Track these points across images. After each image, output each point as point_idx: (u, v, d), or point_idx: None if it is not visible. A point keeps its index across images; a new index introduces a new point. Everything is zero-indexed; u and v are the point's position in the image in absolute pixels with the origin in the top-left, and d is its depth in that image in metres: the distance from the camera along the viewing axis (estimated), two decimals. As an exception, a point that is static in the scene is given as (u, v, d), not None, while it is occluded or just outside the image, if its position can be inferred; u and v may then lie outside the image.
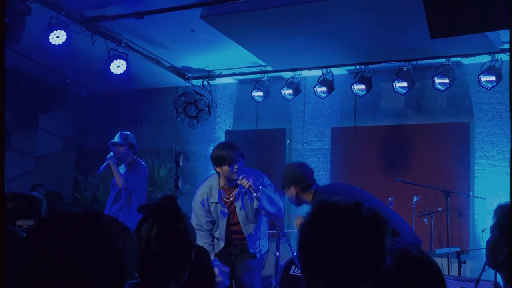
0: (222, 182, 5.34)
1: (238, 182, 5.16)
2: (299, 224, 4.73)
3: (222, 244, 5.39)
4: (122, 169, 6.84)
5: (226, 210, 5.32)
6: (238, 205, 5.30)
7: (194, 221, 5.24)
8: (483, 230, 6.21)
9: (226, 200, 5.34)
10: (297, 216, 4.86)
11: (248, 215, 5.30)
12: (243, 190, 5.26)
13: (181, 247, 1.98)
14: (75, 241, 1.35)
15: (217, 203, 5.30)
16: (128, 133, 6.90)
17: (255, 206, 5.20)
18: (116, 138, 6.77)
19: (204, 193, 5.36)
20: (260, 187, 5.15)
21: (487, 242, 2.23)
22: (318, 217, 1.78)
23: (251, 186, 5.10)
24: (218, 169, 5.24)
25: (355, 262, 1.69)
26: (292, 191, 4.58)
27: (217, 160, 5.21)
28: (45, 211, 3.08)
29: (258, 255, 5.38)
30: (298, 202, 4.62)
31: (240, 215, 5.31)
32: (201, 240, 5.18)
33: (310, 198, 4.53)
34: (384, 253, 1.76)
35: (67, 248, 1.34)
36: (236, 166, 5.17)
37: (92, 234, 1.38)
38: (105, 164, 6.75)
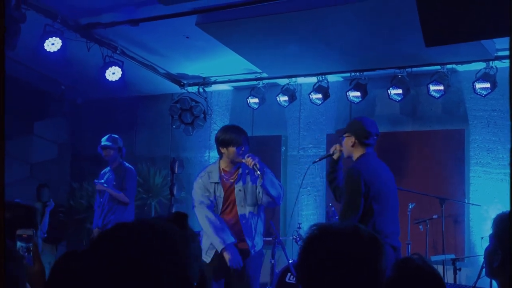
0: (223, 165, 5.21)
1: (243, 161, 5.06)
2: (337, 149, 4.86)
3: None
4: (108, 173, 6.86)
5: (223, 192, 5.19)
6: (238, 186, 5.14)
7: (196, 201, 5.19)
8: (482, 238, 6.25)
9: (225, 181, 5.20)
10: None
11: (246, 197, 5.12)
12: (246, 171, 5.14)
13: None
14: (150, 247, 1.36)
15: (217, 183, 5.17)
16: (117, 136, 6.91)
17: (259, 184, 5.05)
18: (105, 141, 6.77)
19: (204, 175, 5.26)
20: (264, 168, 5.02)
21: (485, 250, 2.24)
22: (316, 240, 1.83)
23: (256, 165, 4.97)
24: (224, 150, 5.14)
25: (352, 284, 1.72)
26: (350, 140, 4.69)
27: (224, 141, 5.14)
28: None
29: (252, 251, 5.14)
30: (347, 152, 4.76)
31: (238, 196, 5.13)
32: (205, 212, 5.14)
33: (357, 157, 4.68)
34: (381, 274, 1.79)
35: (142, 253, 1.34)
36: (243, 149, 5.12)
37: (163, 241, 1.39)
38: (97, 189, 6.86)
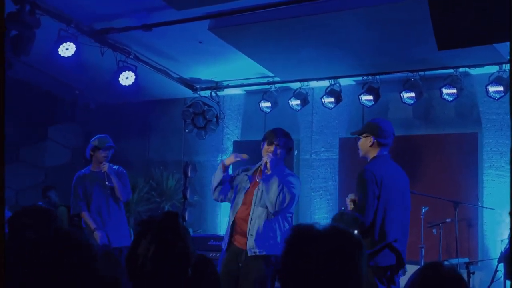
0: (261, 165, 5.16)
1: (264, 159, 5.04)
2: (352, 200, 4.83)
3: (229, 231, 5.10)
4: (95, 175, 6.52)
5: (248, 186, 5.13)
6: (260, 185, 5.05)
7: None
8: (502, 240, 6.23)
9: (255, 177, 5.16)
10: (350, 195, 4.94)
11: (262, 198, 4.99)
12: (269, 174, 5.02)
13: (178, 266, 1.98)
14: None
15: (246, 176, 5.18)
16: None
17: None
18: (109, 142, 6.57)
19: (243, 168, 5.33)
20: (275, 176, 4.92)
21: (504, 252, 2.23)
22: (295, 244, 1.83)
23: (267, 163, 4.95)
24: (262, 148, 5.20)
25: (327, 284, 1.74)
26: (369, 140, 4.78)
27: (264, 137, 5.23)
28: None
29: (249, 252, 4.93)
30: (364, 153, 4.87)
31: (256, 194, 5.03)
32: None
33: (372, 157, 4.80)
34: (359, 273, 1.79)
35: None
36: (269, 147, 5.07)
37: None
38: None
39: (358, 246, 1.81)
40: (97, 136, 6.58)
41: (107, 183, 6.43)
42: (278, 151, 5.07)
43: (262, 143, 5.19)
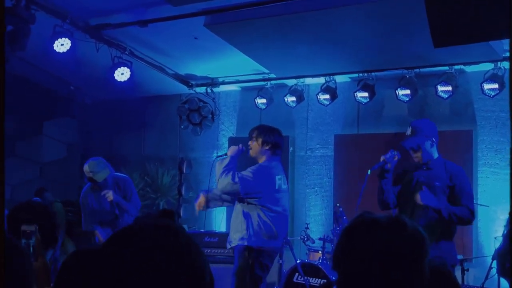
0: None
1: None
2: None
3: None
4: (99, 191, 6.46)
5: None
6: None
7: None
8: (495, 238, 6.25)
9: None
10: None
11: None
12: None
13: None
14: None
15: None
16: (99, 158, 6.54)
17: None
18: (86, 174, 6.39)
19: None
20: (229, 157, 5.26)
21: (498, 249, 2.25)
22: (357, 230, 1.79)
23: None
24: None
25: (389, 280, 1.70)
26: (430, 142, 4.90)
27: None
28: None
29: (227, 245, 5.28)
30: (429, 155, 4.92)
31: None
32: None
33: (436, 155, 4.95)
34: (421, 272, 1.74)
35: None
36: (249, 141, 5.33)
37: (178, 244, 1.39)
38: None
39: (425, 244, 1.77)
40: (89, 160, 6.49)
41: (114, 201, 6.33)
42: (251, 143, 5.27)
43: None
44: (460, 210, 4.74)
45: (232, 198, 5.22)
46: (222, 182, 5.09)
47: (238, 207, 5.20)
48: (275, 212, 5.17)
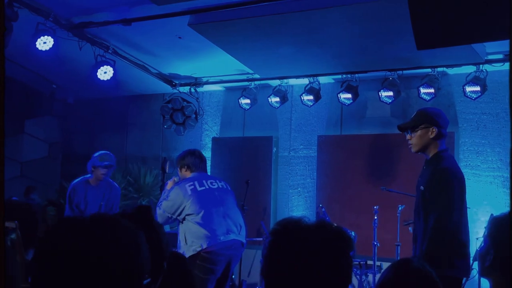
0: None
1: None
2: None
3: None
4: (89, 189, 6.64)
5: None
6: None
7: None
8: (477, 238, 6.29)
9: None
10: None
11: None
12: None
13: (153, 257, 1.98)
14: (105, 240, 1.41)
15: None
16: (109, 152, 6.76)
17: None
18: (109, 160, 6.59)
19: None
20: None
21: (479, 250, 2.28)
22: (281, 236, 1.81)
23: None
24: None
25: (316, 282, 1.72)
26: (431, 131, 4.22)
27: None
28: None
29: None
30: (423, 146, 4.29)
31: None
32: None
33: (434, 152, 4.25)
34: (345, 272, 1.78)
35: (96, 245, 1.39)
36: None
37: (121, 234, 1.45)
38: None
39: (348, 243, 1.80)
40: (100, 152, 6.68)
41: (102, 202, 6.62)
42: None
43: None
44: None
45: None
46: (159, 216, 5.55)
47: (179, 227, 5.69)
48: (199, 214, 5.47)
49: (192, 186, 5.57)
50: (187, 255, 5.34)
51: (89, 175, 6.69)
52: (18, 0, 6.33)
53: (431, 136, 4.22)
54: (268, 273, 1.80)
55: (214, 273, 5.43)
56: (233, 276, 7.32)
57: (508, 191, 6.14)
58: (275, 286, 1.78)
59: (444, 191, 4.11)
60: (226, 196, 5.71)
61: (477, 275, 5.56)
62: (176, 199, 5.50)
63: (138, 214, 2.03)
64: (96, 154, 6.64)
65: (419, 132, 4.26)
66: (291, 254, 1.75)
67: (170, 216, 5.52)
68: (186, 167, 5.77)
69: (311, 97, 7.61)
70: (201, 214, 5.43)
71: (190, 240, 5.42)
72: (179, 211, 5.48)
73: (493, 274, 2.18)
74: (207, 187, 5.65)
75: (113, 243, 1.40)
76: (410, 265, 2.31)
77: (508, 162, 6.64)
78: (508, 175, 6.67)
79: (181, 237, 5.57)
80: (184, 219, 5.49)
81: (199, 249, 5.35)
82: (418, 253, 4.12)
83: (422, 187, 4.26)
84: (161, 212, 5.50)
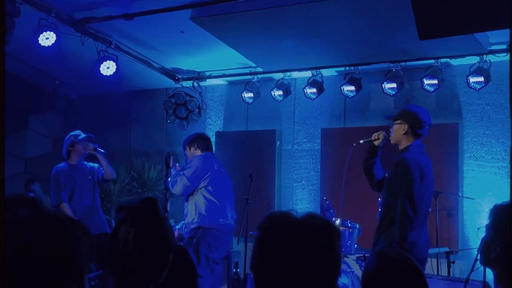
0: None
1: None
2: (380, 136, 4.93)
3: None
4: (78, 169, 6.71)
5: None
6: None
7: None
8: (478, 228, 6.27)
9: None
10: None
11: None
12: None
13: (159, 249, 1.97)
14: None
15: None
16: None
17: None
18: (81, 135, 6.76)
19: None
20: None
21: (482, 240, 2.28)
22: (269, 230, 1.80)
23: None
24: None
25: (305, 275, 1.71)
26: (403, 127, 4.71)
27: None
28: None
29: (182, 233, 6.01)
30: (396, 140, 4.78)
31: None
32: None
33: (405, 145, 4.70)
34: (335, 263, 1.77)
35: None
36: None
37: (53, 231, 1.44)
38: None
39: (337, 236, 1.79)
40: (70, 133, 6.78)
41: (89, 177, 6.69)
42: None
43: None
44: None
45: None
46: (177, 188, 6.02)
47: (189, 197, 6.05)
48: (215, 191, 5.97)
49: (214, 162, 6.08)
50: (192, 226, 5.83)
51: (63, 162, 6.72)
52: (20, -4, 6.32)
53: (402, 133, 4.71)
54: (257, 267, 1.79)
55: (218, 251, 5.91)
56: (238, 270, 7.33)
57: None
58: (264, 280, 1.77)
59: (405, 178, 4.48)
60: (230, 184, 6.26)
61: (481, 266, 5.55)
62: (202, 168, 5.95)
63: (144, 207, 2.03)
64: (67, 136, 6.73)
65: (395, 126, 4.77)
66: (279, 247, 1.74)
67: (190, 184, 5.91)
68: (196, 146, 6.17)
69: (314, 90, 7.60)
70: (216, 192, 5.92)
71: (201, 212, 5.82)
72: (202, 179, 5.91)
73: (499, 265, 2.16)
74: (222, 170, 6.17)
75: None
76: (390, 255, 2.33)
77: (512, 153, 6.63)
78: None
79: (190, 208, 5.91)
80: (198, 190, 5.91)
81: (209, 223, 5.80)
82: (396, 237, 4.44)
83: (386, 174, 4.81)
84: (185, 180, 5.90)
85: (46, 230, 1.43)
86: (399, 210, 4.46)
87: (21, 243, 1.34)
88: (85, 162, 6.80)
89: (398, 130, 4.74)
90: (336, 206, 7.00)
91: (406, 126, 4.69)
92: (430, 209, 4.95)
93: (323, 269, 1.74)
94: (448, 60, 7.02)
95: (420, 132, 4.72)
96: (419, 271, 2.30)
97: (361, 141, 5.21)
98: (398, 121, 4.74)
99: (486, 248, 2.22)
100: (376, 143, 4.98)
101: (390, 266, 2.26)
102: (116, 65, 7.43)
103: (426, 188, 4.58)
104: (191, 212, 5.93)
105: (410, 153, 4.63)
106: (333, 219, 5.99)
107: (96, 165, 6.83)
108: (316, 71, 7.64)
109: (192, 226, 5.90)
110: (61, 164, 6.71)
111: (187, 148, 6.19)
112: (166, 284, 2.00)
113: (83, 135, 6.71)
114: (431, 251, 6.44)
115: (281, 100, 7.95)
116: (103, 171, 6.71)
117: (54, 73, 9.36)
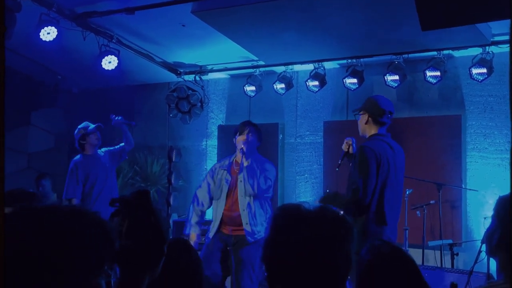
0: (237, 157, 5.79)
1: (238, 147, 5.66)
2: (348, 143, 4.94)
3: (216, 224, 5.67)
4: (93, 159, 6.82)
5: (230, 178, 5.74)
6: (240, 176, 5.64)
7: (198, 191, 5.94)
8: (484, 218, 6.28)
9: (234, 169, 5.76)
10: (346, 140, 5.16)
11: (246, 188, 5.59)
12: (247, 165, 5.65)
13: (153, 241, 1.97)
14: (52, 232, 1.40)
15: (224, 170, 5.77)
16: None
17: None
18: (91, 126, 6.83)
19: (218, 163, 5.99)
20: (249, 160, 5.63)
21: (486, 230, 2.30)
22: (281, 222, 1.81)
23: (243, 148, 5.59)
24: (235, 141, 5.75)
25: (316, 268, 1.71)
26: (364, 118, 4.80)
27: (235, 130, 5.80)
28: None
29: (250, 239, 5.55)
30: (361, 131, 4.87)
31: (240, 186, 5.63)
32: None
33: (370, 133, 4.79)
34: (350, 256, 1.77)
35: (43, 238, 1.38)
36: (242, 137, 5.64)
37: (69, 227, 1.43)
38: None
39: (349, 229, 1.79)
40: (79, 126, 6.89)
41: (107, 165, 6.86)
42: (250, 138, 5.65)
43: (234, 137, 5.79)
44: None
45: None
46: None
47: (248, 200, 5.62)
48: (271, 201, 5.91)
49: None
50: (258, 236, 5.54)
51: (78, 155, 6.79)
52: (21, -9, 6.31)
53: (364, 122, 4.80)
54: (269, 258, 1.79)
55: None
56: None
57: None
58: (276, 271, 1.77)
59: (362, 166, 4.55)
60: None
61: (485, 257, 5.55)
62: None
63: (136, 199, 2.03)
64: (76, 130, 6.85)
65: (360, 118, 4.86)
66: (291, 239, 1.74)
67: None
68: (239, 133, 5.85)
69: (316, 83, 7.58)
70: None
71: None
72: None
73: (500, 253, 2.18)
74: None
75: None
76: (383, 248, 2.34)
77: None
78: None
79: (260, 213, 5.67)
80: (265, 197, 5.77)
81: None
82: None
83: (351, 164, 4.83)
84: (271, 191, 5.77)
85: (38, 226, 1.42)
86: (351, 194, 4.58)
87: (9, 238, 1.33)
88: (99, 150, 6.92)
89: (362, 121, 4.83)
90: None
91: (367, 116, 4.79)
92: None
93: (335, 261, 1.74)
94: (450, 51, 7.00)
95: (381, 120, 4.76)
96: (412, 261, 2.32)
97: (339, 162, 5.12)
98: (361, 112, 4.84)
99: (490, 237, 2.24)
100: (350, 150, 4.97)
101: (383, 260, 2.28)
102: (118, 59, 7.42)
103: (384, 177, 4.61)
104: (262, 220, 5.71)
105: (369, 142, 4.72)
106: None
107: (102, 150, 6.94)
108: (318, 64, 7.63)
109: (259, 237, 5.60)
110: (78, 157, 6.82)
111: (237, 136, 5.80)
112: (162, 277, 2.00)
113: (92, 126, 6.78)
114: (435, 243, 6.46)
115: (283, 93, 7.93)
116: (117, 147, 6.96)
117: (56, 68, 9.35)
